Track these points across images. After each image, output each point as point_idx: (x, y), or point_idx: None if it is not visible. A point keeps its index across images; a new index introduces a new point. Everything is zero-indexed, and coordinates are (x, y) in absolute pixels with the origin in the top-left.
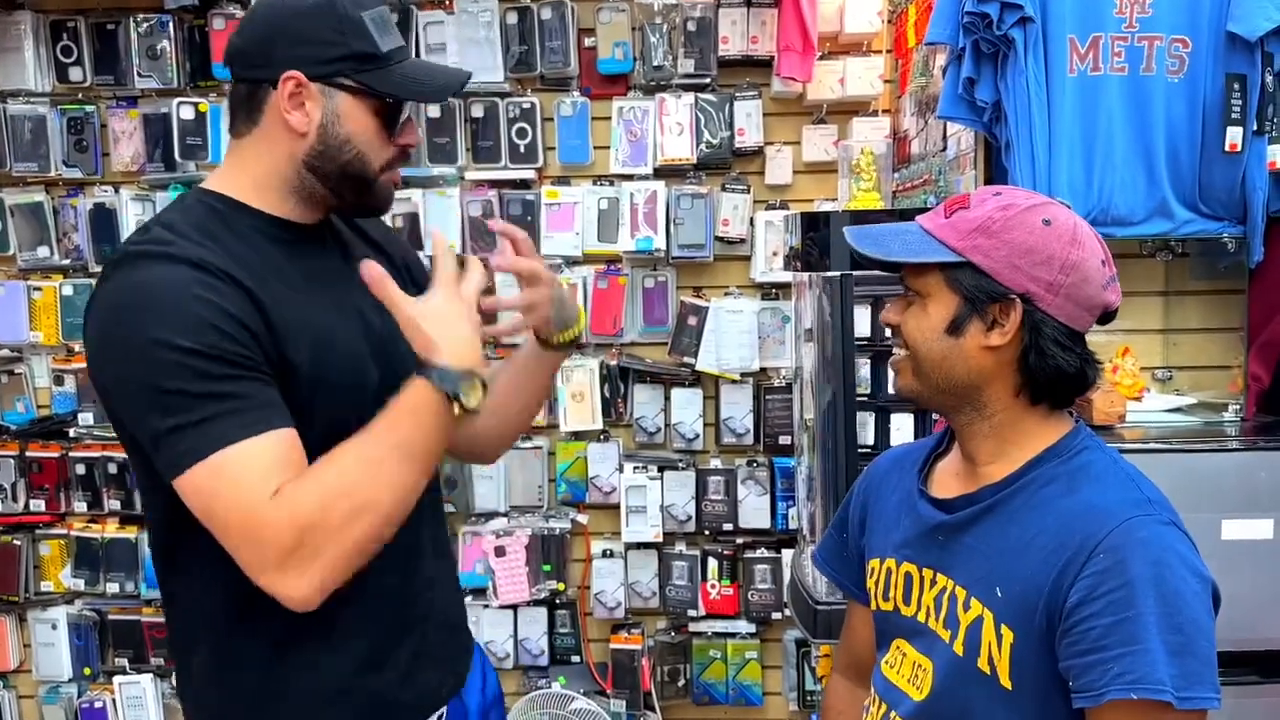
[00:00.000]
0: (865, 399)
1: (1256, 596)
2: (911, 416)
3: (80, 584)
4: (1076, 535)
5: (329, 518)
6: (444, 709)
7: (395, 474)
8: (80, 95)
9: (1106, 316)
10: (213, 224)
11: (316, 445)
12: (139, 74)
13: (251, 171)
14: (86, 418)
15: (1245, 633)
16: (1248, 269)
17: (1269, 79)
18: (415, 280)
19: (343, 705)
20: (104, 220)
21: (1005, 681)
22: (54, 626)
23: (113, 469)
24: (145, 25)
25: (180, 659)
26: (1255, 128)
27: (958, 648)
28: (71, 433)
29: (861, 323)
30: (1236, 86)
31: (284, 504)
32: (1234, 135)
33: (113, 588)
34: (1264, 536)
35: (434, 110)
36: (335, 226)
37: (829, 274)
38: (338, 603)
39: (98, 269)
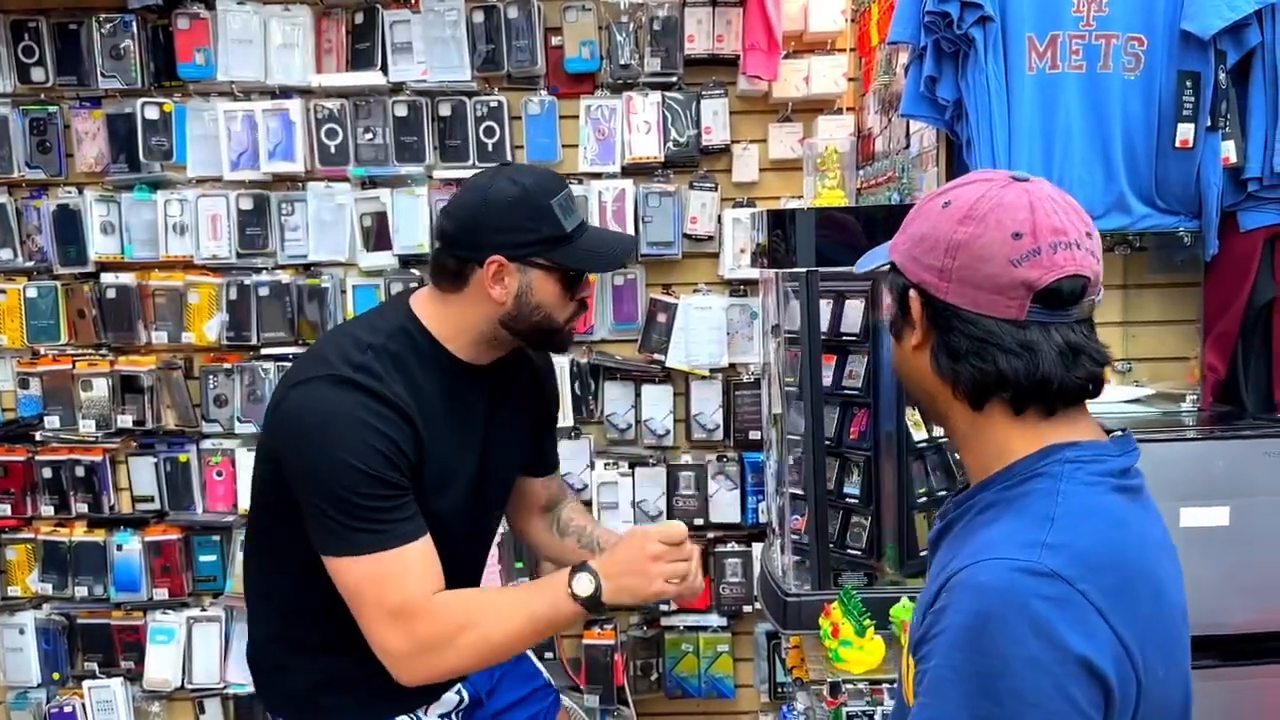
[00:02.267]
0: (797, 388)
1: (1214, 582)
2: (838, 409)
3: (48, 588)
4: (948, 569)
5: (459, 638)
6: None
7: (523, 635)
8: (42, 96)
9: (1063, 297)
10: (408, 355)
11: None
12: (102, 74)
13: (453, 322)
14: (53, 421)
15: (1205, 618)
16: (1203, 262)
17: (1222, 76)
18: (547, 393)
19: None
20: (68, 221)
21: None
22: (21, 631)
23: (80, 472)
24: (108, 25)
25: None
26: (1209, 124)
27: (902, 670)
28: (38, 436)
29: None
30: (1189, 84)
31: (440, 604)
32: (1184, 132)
33: (81, 591)
34: (1220, 523)
35: (401, 110)
36: (503, 360)
37: (795, 270)
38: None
39: (62, 270)
